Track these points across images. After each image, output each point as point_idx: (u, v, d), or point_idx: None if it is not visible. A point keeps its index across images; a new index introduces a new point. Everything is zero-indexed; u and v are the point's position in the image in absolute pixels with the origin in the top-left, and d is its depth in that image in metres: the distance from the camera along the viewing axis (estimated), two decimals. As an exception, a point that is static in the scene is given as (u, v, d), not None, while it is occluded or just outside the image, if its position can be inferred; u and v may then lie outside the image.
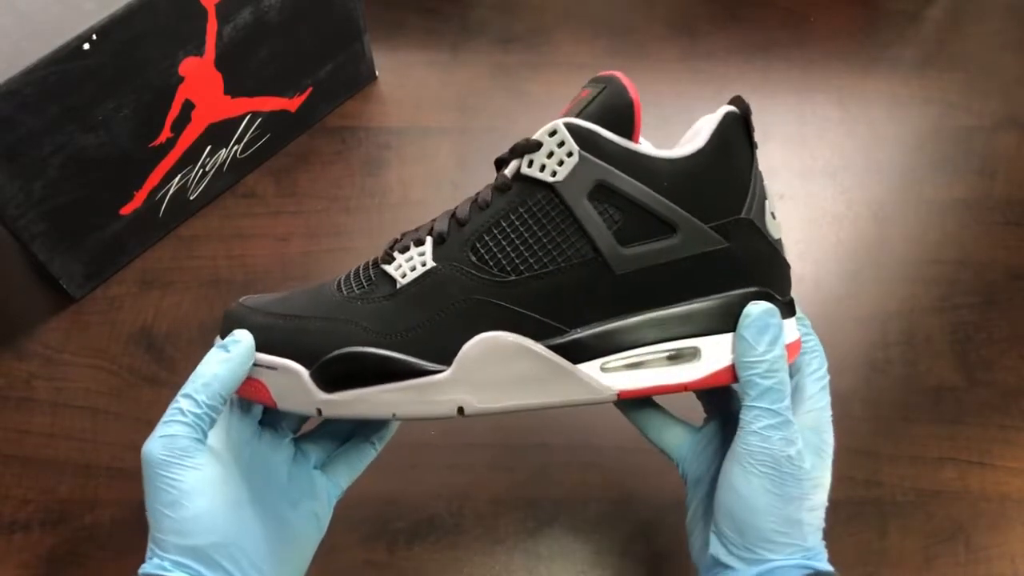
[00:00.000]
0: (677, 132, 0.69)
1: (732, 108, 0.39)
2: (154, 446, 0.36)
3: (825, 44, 0.76)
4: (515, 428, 0.56)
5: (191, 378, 0.37)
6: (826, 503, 0.38)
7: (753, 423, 0.36)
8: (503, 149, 0.71)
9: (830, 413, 0.39)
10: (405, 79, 0.73)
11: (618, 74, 0.38)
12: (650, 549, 0.52)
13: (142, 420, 0.57)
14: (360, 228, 0.65)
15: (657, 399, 0.44)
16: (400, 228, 0.66)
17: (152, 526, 0.36)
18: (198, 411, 0.37)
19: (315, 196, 0.67)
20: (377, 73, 0.73)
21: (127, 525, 0.40)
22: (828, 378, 0.40)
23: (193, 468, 0.36)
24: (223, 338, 0.39)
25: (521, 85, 0.73)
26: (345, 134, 0.70)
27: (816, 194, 0.67)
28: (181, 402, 0.37)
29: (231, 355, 0.38)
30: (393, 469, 0.55)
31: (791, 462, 0.36)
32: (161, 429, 0.36)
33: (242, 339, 0.38)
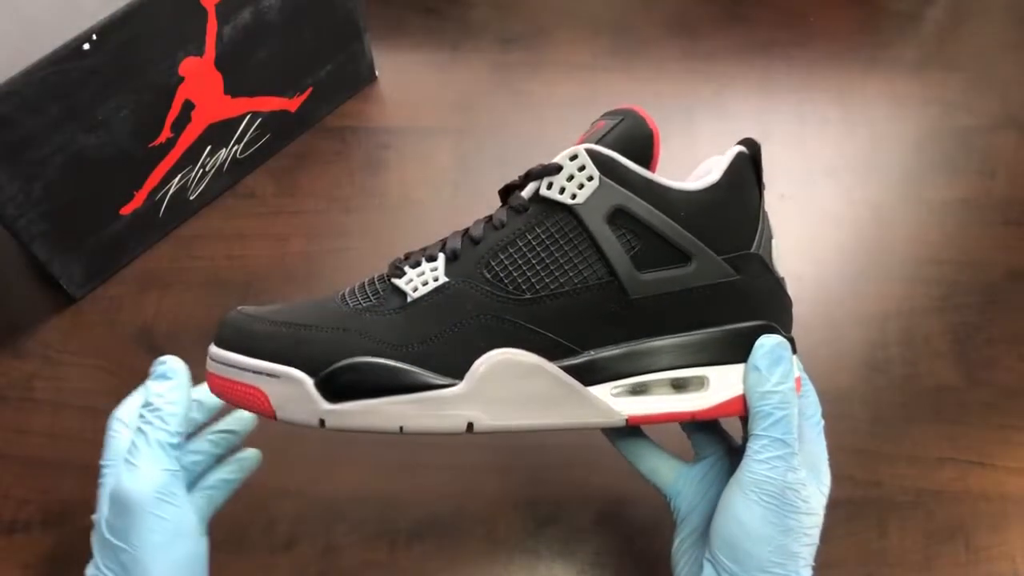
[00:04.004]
0: (676, 132, 0.70)
1: (742, 148, 0.40)
2: (144, 484, 0.35)
3: (825, 44, 0.76)
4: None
5: (151, 410, 0.36)
6: (817, 542, 0.38)
7: (761, 452, 0.37)
8: (503, 149, 0.72)
9: (827, 456, 0.40)
10: (405, 79, 0.74)
11: (636, 107, 0.39)
12: (650, 549, 0.52)
13: (142, 420, 0.56)
14: (360, 228, 0.65)
15: (649, 433, 0.44)
16: (400, 228, 0.66)
17: (132, 570, 0.35)
18: (172, 441, 0.36)
19: (315, 196, 0.67)
20: (377, 73, 0.73)
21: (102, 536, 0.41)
22: (823, 423, 0.41)
23: (178, 507, 0.36)
24: (218, 345, 0.38)
25: (521, 85, 0.73)
26: (345, 134, 0.70)
27: (816, 194, 0.67)
28: (156, 434, 0.36)
29: (179, 380, 0.37)
30: (393, 469, 0.55)
31: (796, 494, 0.37)
32: (147, 466, 0.35)
33: (173, 363, 0.38)
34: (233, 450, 0.45)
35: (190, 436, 0.44)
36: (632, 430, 0.44)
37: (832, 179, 0.68)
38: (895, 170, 0.69)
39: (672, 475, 0.43)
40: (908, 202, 0.67)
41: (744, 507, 0.37)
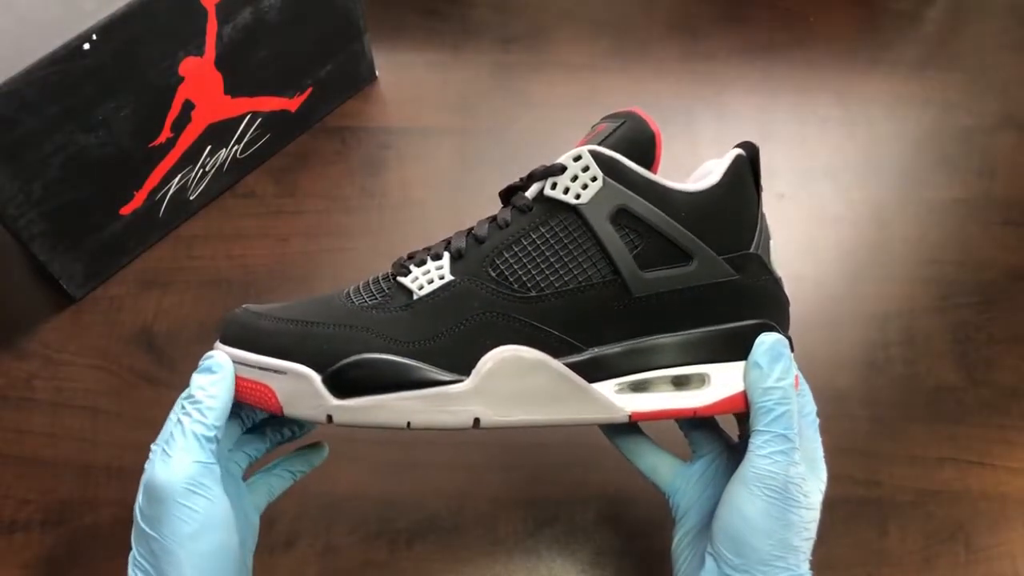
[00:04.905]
0: (677, 133, 0.70)
1: (741, 151, 0.40)
2: (175, 474, 0.35)
3: (825, 44, 0.76)
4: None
5: (192, 402, 0.37)
6: (815, 537, 0.39)
7: (764, 447, 0.37)
8: (503, 149, 0.72)
9: (823, 452, 0.41)
10: (405, 79, 0.74)
11: (638, 110, 0.39)
12: (650, 548, 0.52)
13: (142, 420, 0.57)
14: (360, 228, 0.65)
15: (647, 432, 0.45)
16: (400, 228, 0.66)
17: (162, 559, 0.36)
18: (209, 434, 0.36)
19: (315, 196, 0.67)
20: (377, 73, 0.73)
21: (127, 525, 0.40)
22: (819, 421, 0.42)
23: (211, 499, 0.36)
24: (224, 341, 0.39)
25: (521, 85, 0.73)
26: (345, 134, 0.70)
27: (816, 194, 0.67)
28: (193, 426, 0.36)
29: (223, 374, 0.37)
30: (393, 469, 0.55)
31: (798, 488, 0.37)
32: (180, 456, 0.36)
33: (220, 357, 0.38)
34: (295, 440, 0.46)
35: (255, 426, 0.44)
36: (631, 429, 0.44)
37: (832, 179, 0.68)
38: (895, 170, 0.69)
39: (671, 473, 0.43)
40: (908, 202, 0.67)
41: (747, 501, 0.37)
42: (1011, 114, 0.72)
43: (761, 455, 0.37)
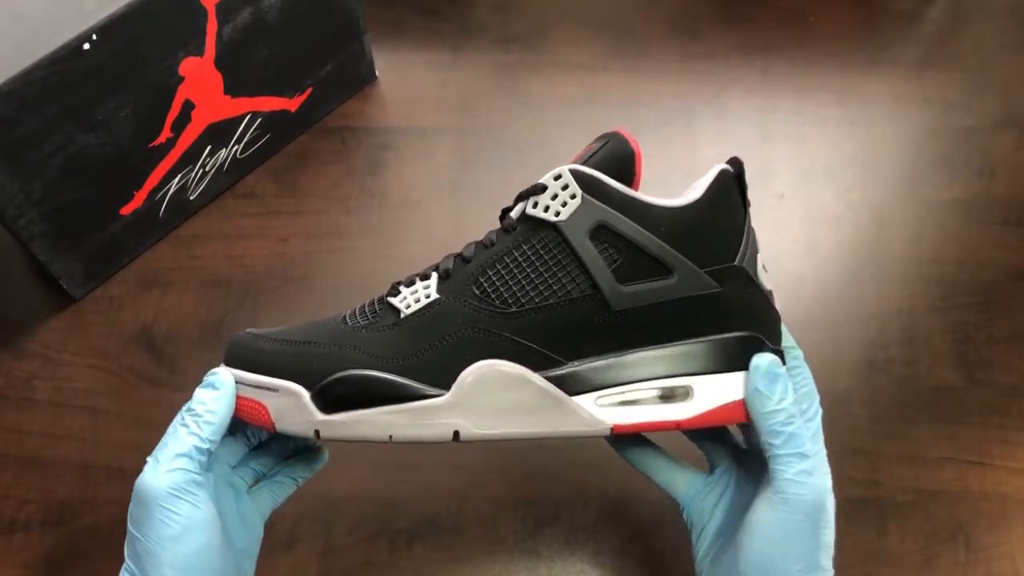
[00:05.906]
0: (677, 133, 0.70)
1: (727, 166, 0.41)
2: (160, 480, 0.37)
3: (825, 44, 0.76)
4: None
5: (192, 415, 0.38)
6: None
7: (786, 471, 0.37)
8: (503, 149, 0.72)
9: (825, 452, 0.40)
10: (405, 79, 0.74)
11: (621, 130, 0.40)
12: (650, 549, 0.52)
13: (142, 420, 0.57)
14: (360, 228, 0.65)
15: (660, 443, 0.45)
16: (400, 228, 0.66)
17: (144, 560, 0.37)
18: (203, 446, 0.38)
19: (315, 196, 0.67)
20: (377, 73, 0.73)
21: (126, 525, 0.41)
22: (820, 411, 0.41)
23: (196, 504, 0.37)
24: (227, 363, 0.40)
25: (521, 85, 0.73)
26: (345, 134, 0.70)
27: (816, 194, 0.67)
28: (187, 438, 0.38)
29: (224, 391, 0.39)
30: (393, 469, 0.55)
31: (824, 508, 0.38)
32: (167, 463, 0.37)
33: (224, 374, 0.39)
34: (300, 449, 0.46)
35: (261, 444, 0.45)
36: (641, 441, 0.45)
37: (832, 179, 0.68)
38: (895, 170, 0.69)
39: (685, 484, 0.43)
40: (907, 202, 0.67)
41: (775, 525, 0.37)
42: (1011, 114, 0.72)
43: (785, 479, 0.37)
